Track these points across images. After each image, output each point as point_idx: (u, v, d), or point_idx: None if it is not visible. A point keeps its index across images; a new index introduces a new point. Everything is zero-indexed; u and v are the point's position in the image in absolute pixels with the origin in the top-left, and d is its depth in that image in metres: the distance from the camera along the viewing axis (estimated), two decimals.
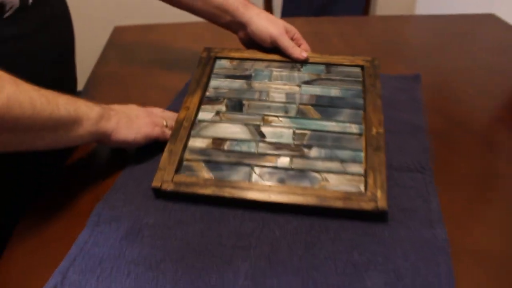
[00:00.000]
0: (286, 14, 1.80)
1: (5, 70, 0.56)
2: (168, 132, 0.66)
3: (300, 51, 0.76)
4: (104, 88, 0.87)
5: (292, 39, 0.78)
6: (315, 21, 1.15)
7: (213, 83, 0.75)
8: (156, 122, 0.66)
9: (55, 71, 0.65)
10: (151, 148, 0.67)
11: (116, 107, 0.64)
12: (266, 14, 0.77)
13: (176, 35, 1.07)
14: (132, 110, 0.65)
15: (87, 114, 0.56)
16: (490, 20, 1.17)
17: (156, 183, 0.58)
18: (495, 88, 0.86)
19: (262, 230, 0.55)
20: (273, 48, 0.78)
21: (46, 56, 0.62)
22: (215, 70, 0.77)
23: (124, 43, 1.05)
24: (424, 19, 1.24)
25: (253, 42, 0.79)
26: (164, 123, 0.67)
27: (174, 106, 0.78)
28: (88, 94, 0.85)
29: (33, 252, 0.54)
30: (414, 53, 1.01)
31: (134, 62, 0.96)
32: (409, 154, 0.66)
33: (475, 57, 0.97)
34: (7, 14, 0.55)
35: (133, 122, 0.63)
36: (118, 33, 1.10)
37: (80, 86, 0.84)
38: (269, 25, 0.75)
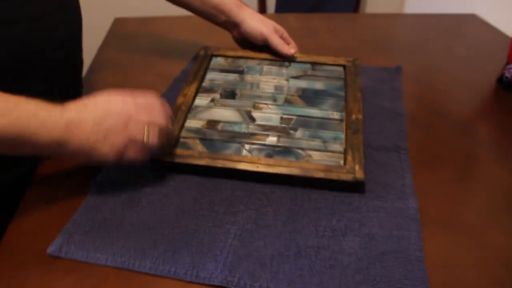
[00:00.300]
0: (279, 11, 1.86)
1: (15, 50, 0.61)
2: (139, 156, 0.57)
3: (288, 48, 0.82)
4: (105, 73, 0.92)
5: (281, 38, 0.84)
6: (306, 17, 1.20)
7: (209, 76, 0.81)
8: (132, 137, 0.56)
9: (63, 53, 0.69)
10: None
11: (89, 116, 0.54)
12: (257, 15, 0.84)
13: (173, 27, 1.13)
14: (109, 116, 0.55)
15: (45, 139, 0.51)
16: (472, 19, 1.23)
17: (155, 155, 0.63)
18: (473, 81, 0.92)
19: (250, 199, 0.60)
20: (263, 45, 0.84)
21: (55, 38, 0.67)
22: (211, 66, 0.83)
23: (124, 34, 1.10)
24: (410, 18, 1.30)
25: (245, 40, 0.85)
26: (145, 135, 0.56)
27: (171, 91, 0.84)
28: (90, 78, 0.90)
29: (40, 217, 0.59)
30: (399, 48, 1.07)
31: (134, 50, 1.01)
32: (387, 136, 0.72)
33: (456, 52, 1.03)
34: None
35: (100, 145, 0.54)
36: (119, 24, 1.15)
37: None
38: (260, 24, 0.82)
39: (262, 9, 1.91)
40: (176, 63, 0.94)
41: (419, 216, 0.59)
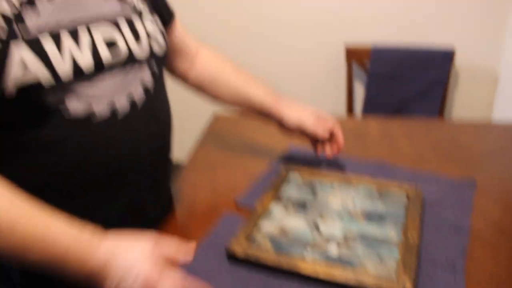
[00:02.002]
0: (366, 111, 1.94)
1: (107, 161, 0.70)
2: None
3: (323, 130, 0.93)
4: (197, 170, 1.08)
5: (330, 131, 0.96)
6: (385, 123, 1.28)
7: (286, 188, 0.94)
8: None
9: (151, 161, 0.78)
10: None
11: (113, 273, 0.60)
12: (296, 106, 0.97)
13: (260, 127, 1.25)
14: (134, 267, 0.60)
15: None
16: None
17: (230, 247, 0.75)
18: None
19: None
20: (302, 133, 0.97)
21: (147, 142, 0.75)
22: (289, 181, 0.97)
23: (219, 130, 1.26)
24: (494, 128, 1.32)
25: (286, 129, 0.98)
26: None
27: (255, 188, 0.96)
28: (184, 174, 1.05)
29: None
30: (478, 159, 1.09)
31: (225, 148, 1.16)
32: (445, 252, 0.76)
33: None
34: (120, 117, 0.69)
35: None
36: (216, 120, 1.32)
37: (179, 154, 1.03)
38: (298, 114, 0.95)
39: (349, 109, 2.00)
40: (261, 161, 1.07)
41: None
